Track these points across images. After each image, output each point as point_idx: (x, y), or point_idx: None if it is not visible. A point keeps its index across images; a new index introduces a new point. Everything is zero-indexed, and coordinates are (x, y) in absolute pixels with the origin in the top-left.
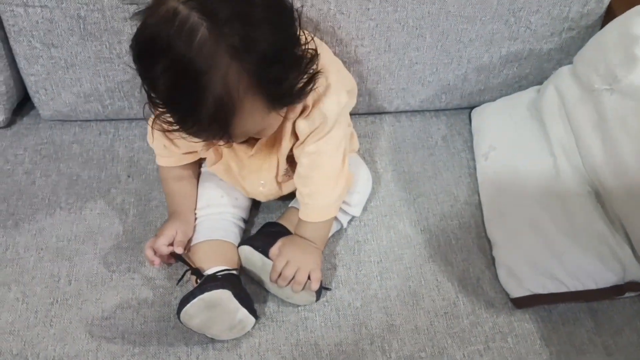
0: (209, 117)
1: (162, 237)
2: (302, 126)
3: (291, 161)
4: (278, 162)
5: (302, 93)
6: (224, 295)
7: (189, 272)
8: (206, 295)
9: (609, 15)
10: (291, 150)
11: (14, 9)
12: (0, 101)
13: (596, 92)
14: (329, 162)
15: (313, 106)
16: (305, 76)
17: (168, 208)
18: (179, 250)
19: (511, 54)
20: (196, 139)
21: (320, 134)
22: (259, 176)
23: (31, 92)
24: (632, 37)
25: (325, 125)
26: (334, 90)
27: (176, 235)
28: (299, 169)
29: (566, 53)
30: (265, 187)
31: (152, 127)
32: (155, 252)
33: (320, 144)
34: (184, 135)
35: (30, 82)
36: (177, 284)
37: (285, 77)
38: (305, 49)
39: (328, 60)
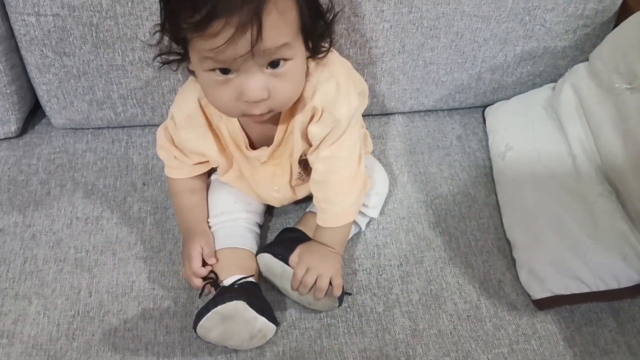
0: None
1: (194, 260)
2: (315, 131)
3: (305, 165)
4: (291, 167)
5: (325, 34)
6: (238, 306)
7: (209, 284)
8: (220, 307)
9: (624, 11)
10: (303, 155)
11: (26, 18)
12: (12, 111)
13: (616, 90)
14: (344, 167)
15: (324, 110)
16: (328, 16)
17: (180, 226)
18: (211, 261)
19: (525, 53)
20: (215, 51)
21: (333, 138)
22: (273, 182)
23: (42, 101)
24: None
25: (338, 129)
26: (344, 93)
27: (203, 251)
28: (314, 175)
29: (581, 50)
30: (279, 193)
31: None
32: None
33: (334, 148)
34: (203, 45)
35: (42, 91)
36: (200, 297)
37: (315, 13)
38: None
39: (337, 63)
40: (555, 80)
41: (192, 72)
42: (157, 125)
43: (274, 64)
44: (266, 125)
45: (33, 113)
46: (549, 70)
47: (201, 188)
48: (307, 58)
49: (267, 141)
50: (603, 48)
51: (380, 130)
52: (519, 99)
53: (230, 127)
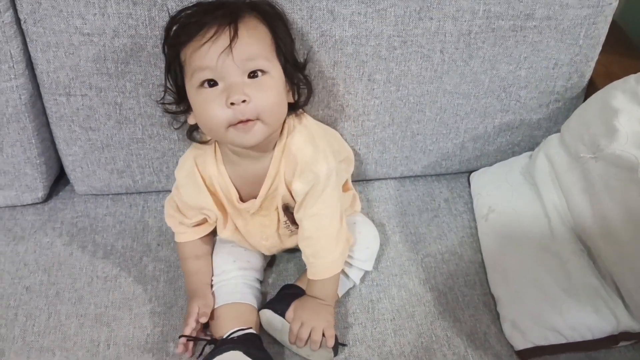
0: (223, 12)
1: (188, 318)
2: (298, 187)
3: (291, 216)
4: (278, 217)
5: (297, 73)
6: (236, 356)
7: (207, 344)
8: (218, 358)
9: (592, 87)
10: (287, 206)
11: (57, 98)
12: (40, 179)
13: (582, 159)
14: (329, 223)
15: (304, 168)
16: (300, 68)
17: (186, 287)
18: (203, 319)
19: (504, 124)
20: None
21: (316, 194)
22: (262, 231)
23: (68, 170)
24: (612, 110)
25: (318, 186)
26: (322, 152)
27: (199, 310)
28: (302, 232)
29: (554, 122)
30: (268, 241)
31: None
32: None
33: (319, 206)
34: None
35: (68, 161)
36: (198, 359)
37: (289, 42)
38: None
39: (315, 128)
40: (532, 149)
41: (190, 135)
42: (171, 192)
43: (253, 75)
44: (253, 180)
45: (57, 181)
46: (526, 140)
47: (205, 254)
48: (289, 110)
49: (255, 194)
50: (571, 121)
51: (373, 194)
52: (500, 166)
53: (222, 183)
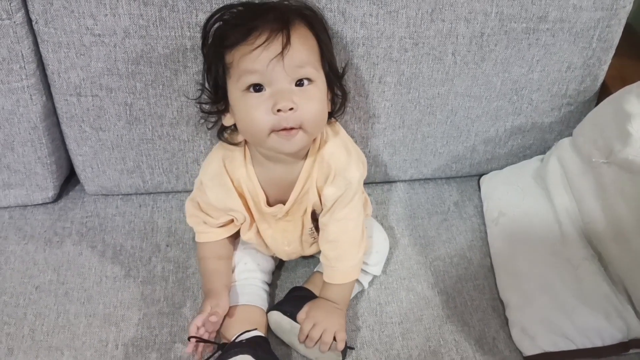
0: (274, 16)
1: (197, 317)
2: (329, 192)
3: (315, 221)
4: (303, 224)
5: (337, 82)
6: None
7: (216, 349)
8: None
9: (604, 91)
10: (313, 213)
11: (68, 98)
12: (51, 179)
13: (595, 164)
14: (354, 228)
15: (337, 174)
16: (341, 80)
17: (203, 286)
18: (212, 318)
19: (515, 127)
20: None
21: (345, 200)
22: (284, 237)
23: (78, 170)
24: (625, 114)
25: (350, 191)
26: (355, 159)
27: (211, 310)
28: (326, 235)
29: (566, 125)
30: (289, 247)
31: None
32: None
33: (346, 211)
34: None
35: (78, 161)
36: None
37: (331, 50)
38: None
39: (345, 135)
40: (543, 152)
41: (221, 135)
42: (180, 192)
43: (300, 84)
44: (283, 185)
45: (67, 180)
46: (537, 143)
47: (227, 255)
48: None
49: (283, 199)
50: (584, 125)
51: (383, 196)
52: (511, 169)
53: (250, 185)
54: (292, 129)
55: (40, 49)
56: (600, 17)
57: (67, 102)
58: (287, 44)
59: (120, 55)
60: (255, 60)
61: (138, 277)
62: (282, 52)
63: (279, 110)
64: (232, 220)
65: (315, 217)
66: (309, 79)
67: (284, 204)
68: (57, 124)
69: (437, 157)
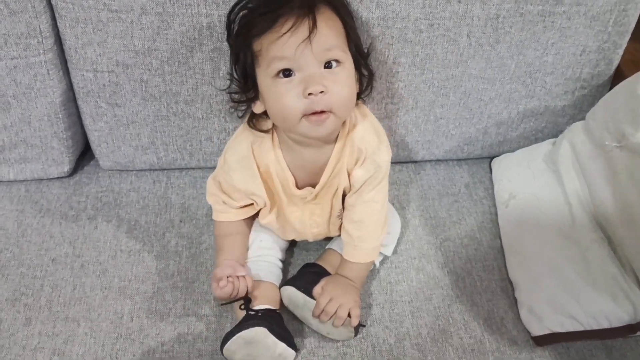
0: (299, 2)
1: (219, 269)
2: (358, 174)
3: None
4: (331, 206)
5: (363, 63)
6: (260, 332)
7: (241, 301)
8: (244, 332)
9: (619, 75)
10: (344, 196)
11: (84, 73)
12: (66, 154)
13: (607, 148)
14: (380, 209)
15: (367, 157)
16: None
17: (216, 260)
18: (241, 271)
19: (528, 110)
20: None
21: (375, 182)
22: (311, 219)
23: (93, 146)
24: (639, 99)
25: (379, 173)
26: (384, 142)
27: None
28: (352, 215)
29: (579, 109)
30: (317, 229)
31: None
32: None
33: (373, 193)
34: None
35: (93, 137)
36: (222, 304)
37: (357, 32)
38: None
39: (375, 119)
40: (555, 136)
41: (250, 122)
42: (194, 169)
43: (328, 66)
44: (312, 169)
45: (83, 155)
46: (550, 127)
47: (244, 232)
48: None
49: (312, 182)
50: (597, 109)
51: (394, 177)
52: (523, 152)
53: (279, 169)
54: (322, 112)
55: (58, 24)
56: (616, 1)
57: (83, 78)
58: (313, 28)
59: (136, 31)
60: (284, 46)
61: (152, 251)
62: (309, 37)
63: (310, 94)
64: (252, 204)
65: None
66: (337, 61)
67: (314, 187)
68: (74, 100)
69: (449, 139)
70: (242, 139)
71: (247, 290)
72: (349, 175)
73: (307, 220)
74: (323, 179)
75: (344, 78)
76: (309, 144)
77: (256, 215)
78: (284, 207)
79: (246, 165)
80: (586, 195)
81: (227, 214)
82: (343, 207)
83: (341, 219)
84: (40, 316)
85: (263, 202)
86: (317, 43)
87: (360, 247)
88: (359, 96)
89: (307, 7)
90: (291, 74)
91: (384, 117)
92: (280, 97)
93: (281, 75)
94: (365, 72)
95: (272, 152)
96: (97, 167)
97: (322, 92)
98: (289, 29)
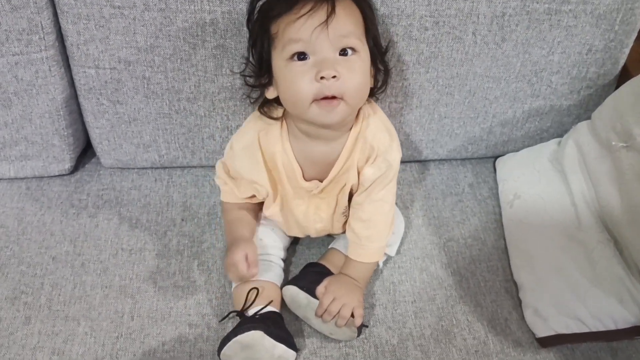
0: None
1: (240, 265)
2: (369, 172)
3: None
4: (337, 202)
5: (380, 58)
6: (256, 336)
7: (233, 312)
8: (240, 337)
9: (625, 74)
10: (351, 193)
11: (86, 70)
12: (68, 151)
13: (613, 148)
14: (389, 209)
15: (378, 155)
16: (384, 55)
17: (227, 237)
18: (254, 270)
19: (533, 110)
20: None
21: (385, 181)
22: (316, 214)
23: (94, 143)
24: None
25: (389, 172)
26: (396, 141)
27: (247, 258)
28: (360, 214)
29: (584, 109)
30: (321, 224)
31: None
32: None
33: (383, 192)
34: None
35: (95, 134)
36: (220, 321)
37: (376, 25)
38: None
39: (384, 115)
40: (561, 136)
41: (262, 109)
42: (196, 167)
43: (344, 53)
44: (320, 162)
45: (84, 153)
46: (555, 126)
47: (252, 208)
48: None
49: (319, 176)
50: (603, 108)
51: (397, 176)
52: (528, 151)
53: (286, 160)
54: (333, 98)
55: (60, 20)
56: (623, 0)
57: (85, 75)
58: (332, 12)
59: (139, 28)
60: (300, 28)
61: (153, 250)
62: (326, 21)
63: (322, 78)
64: (255, 196)
65: (352, 197)
66: (353, 49)
67: (321, 181)
68: (75, 97)
69: (453, 138)
70: (250, 126)
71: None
72: (358, 173)
73: (312, 215)
74: (332, 174)
75: (359, 67)
76: (317, 136)
77: (262, 205)
78: (290, 200)
79: (251, 153)
80: (592, 195)
81: (231, 195)
82: (349, 205)
83: (346, 216)
84: (40, 315)
85: (265, 192)
86: (334, 28)
87: (367, 246)
88: (373, 93)
89: None
90: (306, 57)
91: (388, 116)
92: (293, 79)
93: (295, 58)
94: (381, 68)
95: (280, 143)
96: (99, 165)
97: (334, 77)
98: (307, 12)
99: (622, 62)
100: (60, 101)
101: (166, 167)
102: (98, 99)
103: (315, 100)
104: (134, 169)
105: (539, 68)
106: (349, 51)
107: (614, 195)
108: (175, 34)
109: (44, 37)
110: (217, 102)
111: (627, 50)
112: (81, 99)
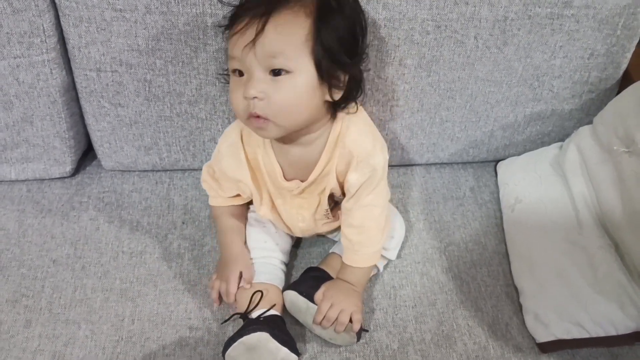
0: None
1: (231, 284)
2: (354, 178)
3: (332, 202)
4: (319, 203)
5: (337, 71)
6: (262, 337)
7: (236, 315)
8: (245, 338)
9: (626, 79)
10: (331, 196)
11: (88, 73)
12: (69, 154)
13: (615, 153)
14: (380, 214)
15: (361, 160)
16: (350, 67)
17: (220, 245)
18: (247, 286)
19: (535, 114)
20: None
21: (371, 186)
22: (299, 213)
23: (96, 145)
24: None
25: (374, 177)
26: (379, 144)
27: (242, 275)
28: (350, 220)
29: (586, 113)
30: (303, 223)
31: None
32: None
33: (371, 197)
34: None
35: (96, 136)
36: (222, 323)
37: (338, 38)
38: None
39: (368, 118)
40: (562, 140)
41: None
42: (197, 170)
43: (276, 73)
44: (300, 165)
45: (85, 155)
46: (556, 130)
47: (240, 214)
48: (334, 107)
49: (300, 176)
50: (605, 113)
51: (398, 180)
52: (529, 155)
53: (267, 160)
54: (259, 117)
55: (62, 23)
56: (626, 4)
57: (86, 77)
58: (260, 31)
59: (140, 31)
60: (234, 46)
61: (154, 253)
62: (253, 40)
63: (246, 97)
64: (240, 195)
65: (333, 199)
66: (285, 70)
67: (302, 181)
68: (76, 99)
69: (455, 142)
70: (234, 125)
71: (249, 304)
72: (338, 177)
73: (294, 214)
74: (312, 176)
75: (288, 87)
76: (291, 140)
77: (250, 203)
78: (274, 199)
79: (234, 152)
80: (593, 200)
81: (217, 199)
82: (331, 208)
83: (328, 217)
84: (41, 318)
85: (249, 191)
86: (261, 47)
87: (360, 252)
88: (347, 101)
89: (265, 7)
90: (242, 73)
91: (389, 120)
92: (231, 93)
93: (236, 73)
94: (343, 78)
95: (262, 143)
96: (99, 168)
97: (255, 97)
98: (240, 29)
99: (624, 66)
100: (61, 104)
101: (167, 170)
102: (99, 101)
103: (249, 116)
104: (134, 171)
105: (540, 72)
106: (282, 72)
107: (616, 200)
108: (177, 37)
109: (45, 39)
110: (219, 105)
111: (629, 55)
112: (82, 102)
